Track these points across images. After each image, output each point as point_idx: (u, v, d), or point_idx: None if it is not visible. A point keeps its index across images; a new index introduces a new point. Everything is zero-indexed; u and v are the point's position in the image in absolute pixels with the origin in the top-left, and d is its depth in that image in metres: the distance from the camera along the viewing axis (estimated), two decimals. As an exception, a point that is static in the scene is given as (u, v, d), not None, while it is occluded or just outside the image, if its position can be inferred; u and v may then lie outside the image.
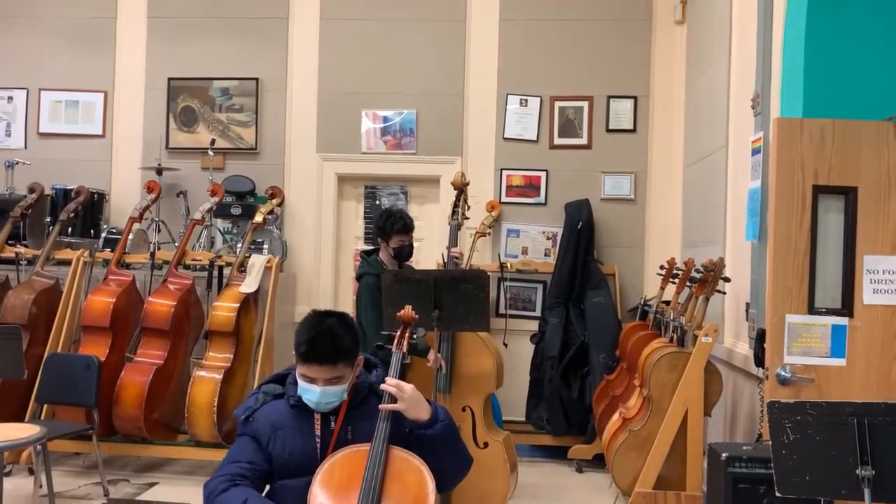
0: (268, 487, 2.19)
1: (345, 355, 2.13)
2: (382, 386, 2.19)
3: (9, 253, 5.17)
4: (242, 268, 5.00)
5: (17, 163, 5.74)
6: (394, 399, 2.16)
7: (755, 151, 3.79)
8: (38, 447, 3.50)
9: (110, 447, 4.78)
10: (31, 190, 5.40)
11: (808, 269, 3.20)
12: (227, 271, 5.15)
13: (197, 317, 5.00)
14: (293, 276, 5.97)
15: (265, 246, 5.55)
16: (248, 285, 4.88)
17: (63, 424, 4.34)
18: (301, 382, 2.13)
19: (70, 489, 4.43)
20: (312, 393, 2.12)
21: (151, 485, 4.62)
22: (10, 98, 6.20)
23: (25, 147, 6.16)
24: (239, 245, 5.30)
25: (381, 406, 2.15)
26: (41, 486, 3.95)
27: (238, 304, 4.78)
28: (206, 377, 4.66)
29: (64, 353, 4.84)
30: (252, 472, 2.13)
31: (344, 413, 2.18)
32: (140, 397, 4.58)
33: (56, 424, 4.22)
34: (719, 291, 3.73)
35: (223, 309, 4.79)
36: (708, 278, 3.65)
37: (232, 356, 4.75)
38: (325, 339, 2.11)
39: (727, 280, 3.70)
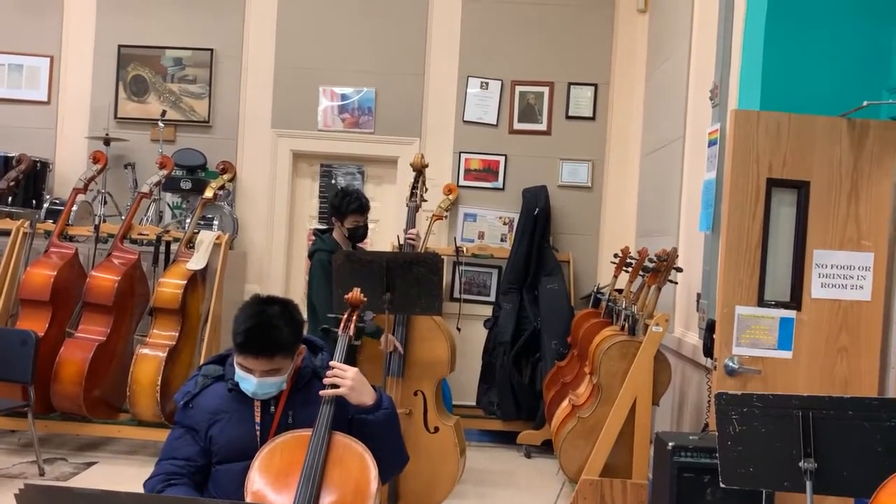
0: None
1: (283, 349, 2.05)
2: (327, 372, 2.12)
3: (-57, 221, 4.95)
4: (191, 244, 4.86)
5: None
6: (336, 385, 2.09)
7: (711, 143, 3.81)
8: (-32, 424, 3.36)
9: (48, 425, 4.63)
10: (-30, 156, 5.17)
11: (759, 261, 3.22)
12: (174, 247, 5.00)
13: (142, 293, 4.86)
14: (243, 254, 5.84)
15: (215, 222, 5.41)
16: (196, 262, 4.75)
17: (-2, 401, 4.18)
18: (238, 371, 2.06)
19: (3, 467, 4.28)
20: (249, 383, 2.04)
21: (90, 464, 4.49)
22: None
23: (-35, 111, 5.90)
24: (188, 220, 5.16)
25: (322, 392, 2.08)
26: (-28, 465, 3.81)
27: (185, 281, 4.65)
28: (150, 355, 4.52)
29: (0, 327, 4.66)
30: (187, 469, 2.07)
31: (285, 398, 2.12)
32: (80, 374, 4.44)
33: (-11, 401, 4.07)
34: (671, 281, 3.75)
35: (169, 286, 4.65)
36: (661, 268, 3.66)
37: (177, 334, 4.62)
38: (263, 330, 2.02)
39: (679, 270, 3.71)
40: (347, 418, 2.11)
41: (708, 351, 3.38)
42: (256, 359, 2.01)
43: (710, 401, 3.42)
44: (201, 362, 4.62)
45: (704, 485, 3.06)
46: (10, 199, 5.24)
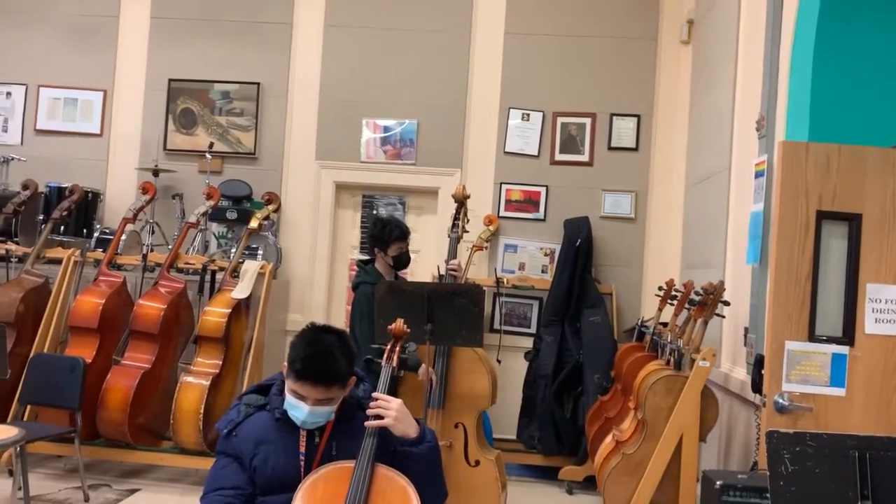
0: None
1: (339, 378, 2.06)
2: (371, 403, 2.12)
3: (2, 251, 5.10)
4: (235, 273, 4.93)
5: (13, 158, 5.68)
6: (380, 416, 2.09)
7: (758, 174, 3.75)
8: (17, 449, 3.42)
9: (93, 451, 4.69)
10: (25, 186, 5.34)
11: (809, 295, 3.14)
12: (219, 276, 5.08)
13: (187, 321, 4.93)
14: (287, 283, 5.90)
15: (260, 252, 5.49)
16: (241, 291, 4.82)
17: (45, 426, 4.26)
18: (290, 398, 2.06)
19: (50, 492, 4.34)
20: (300, 411, 2.04)
21: (133, 491, 4.53)
22: (8, 93, 6.15)
23: (22, 143, 6.10)
24: (233, 250, 5.24)
25: (367, 423, 2.08)
26: (19, 489, 3.87)
27: (229, 310, 4.71)
28: (194, 383, 4.58)
29: (50, 353, 4.76)
30: (237, 499, 2.07)
31: (330, 429, 2.11)
32: (125, 401, 4.50)
33: (38, 426, 4.14)
34: (718, 315, 3.67)
35: (214, 314, 4.72)
36: (707, 301, 3.59)
37: (221, 362, 4.67)
38: (322, 359, 2.04)
39: (727, 304, 3.64)
40: (390, 450, 2.10)
41: (756, 387, 3.29)
42: (314, 387, 2.02)
43: (759, 438, 3.32)
44: (243, 391, 4.68)
45: (754, 526, 2.97)
46: (62, 228, 5.39)
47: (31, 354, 4.64)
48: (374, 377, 2.31)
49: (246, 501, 2.08)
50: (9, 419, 4.55)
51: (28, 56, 6.15)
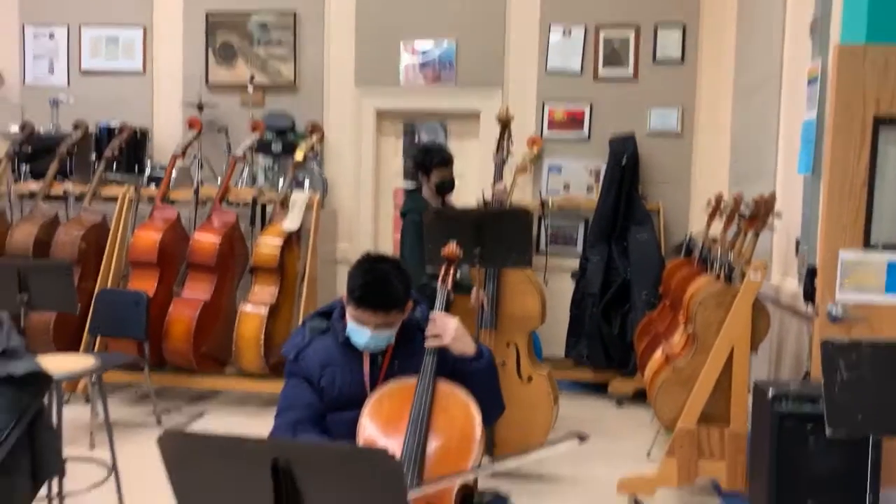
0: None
1: (397, 303, 2.13)
2: (429, 324, 2.19)
3: (57, 190, 5.27)
4: (284, 205, 5.02)
5: (62, 100, 5.78)
6: (439, 335, 2.16)
7: (811, 81, 3.64)
8: (94, 378, 3.62)
9: (161, 378, 4.93)
10: (76, 127, 5.45)
11: (864, 203, 3.09)
12: (269, 208, 5.18)
13: (241, 253, 5.07)
14: (334, 213, 5.99)
15: (306, 183, 5.56)
16: (291, 222, 4.92)
17: (116, 356, 4.48)
18: (351, 324, 2.14)
19: (124, 417, 4.60)
20: (362, 335, 2.12)
21: (201, 414, 4.77)
22: (51, 35, 6.22)
23: (68, 84, 6.20)
24: (280, 182, 5.32)
25: (427, 343, 2.16)
26: (97, 415, 4.11)
27: (282, 241, 4.83)
28: (253, 312, 4.74)
29: (114, 288, 4.96)
30: (311, 415, 2.16)
31: (391, 350, 2.20)
32: (188, 332, 4.70)
33: (109, 356, 4.36)
34: (770, 227, 3.64)
35: (267, 246, 4.84)
36: (758, 213, 3.55)
37: (276, 291, 4.82)
38: (379, 286, 2.10)
39: (778, 215, 3.60)
40: (449, 368, 2.18)
41: (809, 297, 3.29)
42: (374, 313, 2.09)
43: (811, 349, 3.34)
44: (300, 317, 4.84)
45: (807, 433, 3.01)
46: (114, 166, 5.52)
47: (97, 289, 4.84)
48: (428, 301, 2.37)
49: (318, 415, 2.17)
50: (80, 350, 4.80)
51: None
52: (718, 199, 4.47)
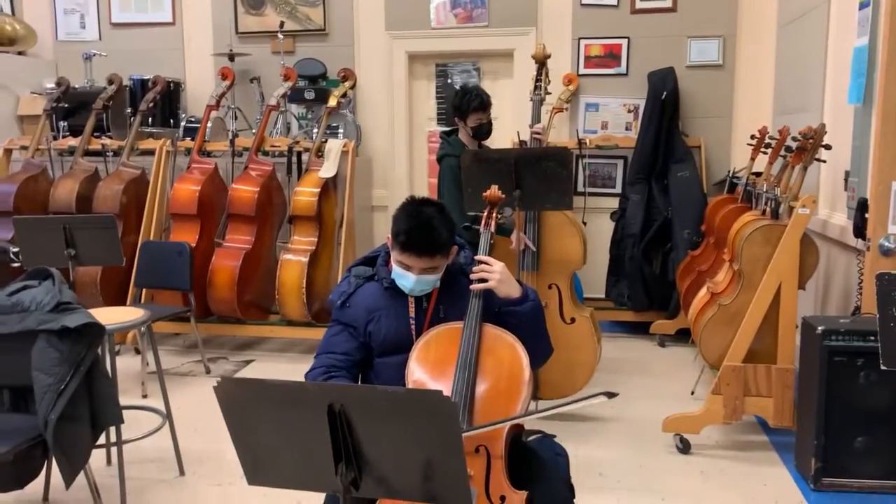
0: (364, 372, 2.26)
1: (442, 248, 2.12)
2: (474, 268, 2.18)
3: (95, 145, 5.32)
4: (320, 153, 5.01)
5: (95, 54, 5.79)
6: (484, 279, 2.15)
7: (863, 5, 3.47)
8: (143, 329, 3.70)
9: (208, 328, 5.04)
10: (111, 81, 5.47)
11: (920, 132, 2.98)
12: (305, 157, 5.18)
13: (280, 202, 5.10)
14: (369, 159, 5.96)
15: (340, 130, 5.53)
16: (327, 170, 4.91)
17: (163, 307, 4.57)
18: (396, 268, 2.14)
19: (174, 366, 4.72)
20: (408, 280, 2.12)
21: (248, 362, 4.87)
22: (80, -11, 6.19)
23: (100, 38, 6.19)
24: (315, 130, 5.30)
25: (472, 287, 2.15)
26: (148, 364, 4.22)
27: (318, 189, 4.83)
28: (293, 260, 4.79)
29: (156, 240, 5.04)
30: (346, 363, 2.19)
31: (436, 294, 2.20)
32: (232, 281, 4.77)
33: (156, 307, 4.44)
34: (818, 160, 3.53)
35: (305, 194, 4.85)
36: (806, 146, 3.44)
37: (316, 239, 4.85)
38: (424, 230, 2.09)
39: (827, 147, 3.48)
40: (495, 311, 2.17)
41: (859, 231, 3.20)
42: (420, 258, 2.09)
43: (861, 283, 3.27)
44: (340, 265, 4.87)
45: (857, 368, 2.98)
46: (150, 120, 5.55)
47: (140, 242, 4.92)
48: (471, 245, 2.36)
49: (353, 366, 2.21)
50: (128, 303, 4.90)
51: (93, -52, 6.13)
52: (763, 133, 4.34)
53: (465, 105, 3.96)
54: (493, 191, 2.44)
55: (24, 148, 5.39)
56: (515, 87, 5.72)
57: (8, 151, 5.47)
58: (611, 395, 1.74)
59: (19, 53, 6.13)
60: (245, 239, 4.88)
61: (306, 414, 1.43)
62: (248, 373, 4.66)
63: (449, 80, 5.98)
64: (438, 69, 6.01)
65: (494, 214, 2.40)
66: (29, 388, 2.57)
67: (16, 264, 4.04)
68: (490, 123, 4.05)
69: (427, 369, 2.08)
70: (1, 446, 2.43)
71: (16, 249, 4.08)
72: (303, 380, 2.04)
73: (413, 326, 2.19)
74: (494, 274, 2.15)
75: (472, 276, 2.17)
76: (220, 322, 5.05)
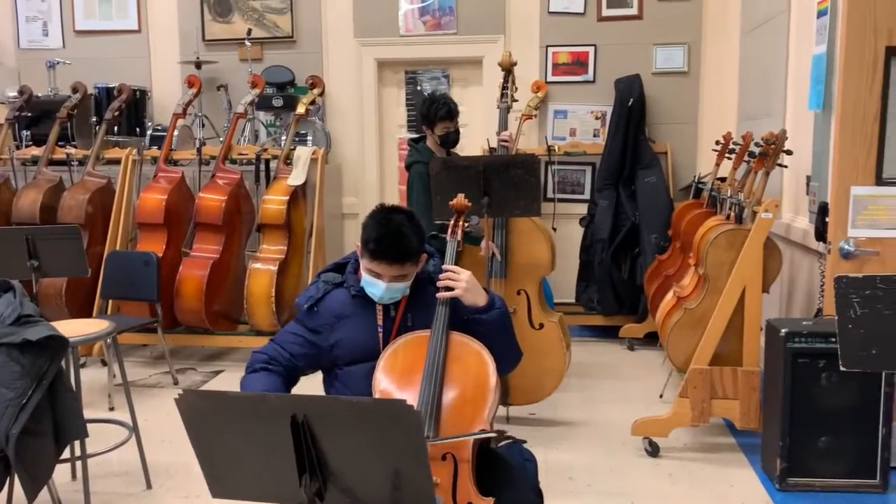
0: (329, 381, 2.26)
1: (412, 255, 2.12)
2: (440, 276, 2.18)
3: (60, 154, 5.24)
4: (288, 160, 4.99)
5: (58, 62, 5.71)
6: (451, 287, 2.15)
7: (821, 13, 3.55)
8: (109, 340, 3.65)
9: (175, 338, 4.98)
10: (75, 90, 5.40)
11: (876, 137, 3.05)
12: (273, 164, 5.15)
13: (248, 211, 5.06)
14: (338, 167, 5.95)
15: (309, 137, 5.52)
16: (296, 178, 4.89)
17: (129, 318, 4.51)
18: (366, 276, 2.13)
19: (141, 378, 4.65)
20: (377, 287, 2.12)
21: (217, 372, 4.82)
22: (42, -4, 6.11)
23: (63, 46, 6.11)
24: (283, 137, 5.27)
25: (439, 294, 2.15)
26: (115, 377, 4.16)
27: (287, 197, 4.81)
28: (262, 269, 4.75)
29: (122, 250, 4.97)
30: (288, 363, 2.20)
31: (405, 302, 2.20)
32: (199, 290, 4.72)
33: (123, 319, 4.39)
34: (780, 165, 3.59)
35: (273, 202, 4.82)
36: (769, 151, 3.50)
37: (285, 248, 4.82)
38: (394, 238, 2.09)
39: (789, 153, 3.55)
40: (462, 319, 2.18)
41: (820, 235, 3.27)
42: (390, 265, 2.09)
43: (823, 286, 3.33)
44: (310, 273, 4.85)
45: (819, 370, 3.03)
46: (115, 128, 5.48)
47: (106, 252, 4.85)
48: (440, 254, 2.36)
49: (293, 369, 2.21)
50: (94, 314, 4.83)
51: (56, -45, 6.05)
52: (727, 139, 4.41)
53: (432, 113, 3.97)
54: (460, 199, 2.45)
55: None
56: (485, 94, 5.75)
57: (-31, 161, 5.37)
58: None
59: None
60: (213, 248, 4.84)
61: (269, 425, 1.42)
62: (217, 383, 4.62)
63: (418, 87, 5.99)
64: (408, 76, 6.02)
65: (461, 223, 2.41)
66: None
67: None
68: (457, 131, 4.06)
69: (394, 378, 2.08)
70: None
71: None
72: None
73: (381, 335, 2.18)
74: (461, 283, 2.15)
75: (439, 284, 2.17)
76: (188, 332, 5.00)
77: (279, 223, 4.79)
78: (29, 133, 5.43)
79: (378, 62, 5.94)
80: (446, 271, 2.19)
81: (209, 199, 4.84)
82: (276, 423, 1.40)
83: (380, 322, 2.19)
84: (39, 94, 5.55)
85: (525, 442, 2.24)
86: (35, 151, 5.27)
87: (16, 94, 5.50)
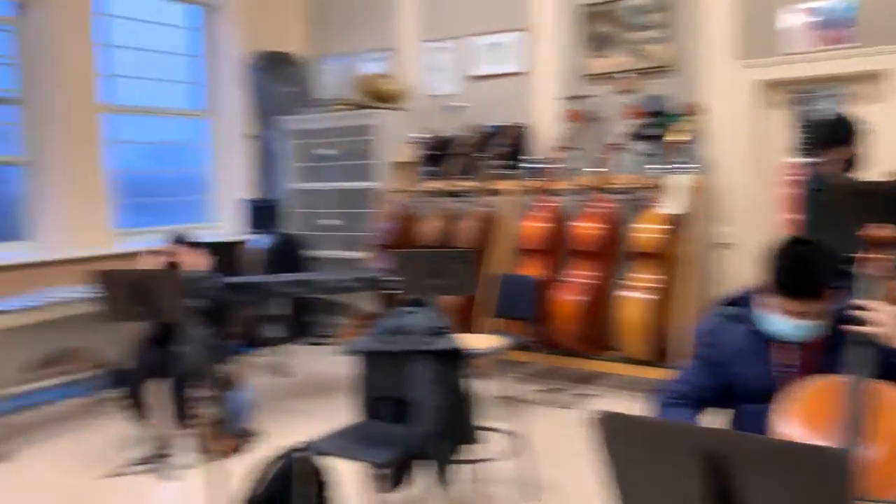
0: (721, 410, 2.19)
1: (818, 291, 1.97)
2: (854, 311, 1.97)
3: (456, 187, 5.89)
4: (663, 189, 4.96)
5: (456, 106, 6.43)
6: (871, 326, 1.93)
7: None
8: (499, 356, 3.98)
9: (549, 358, 5.23)
10: (473, 131, 6.03)
11: None
12: (647, 193, 5.16)
13: (620, 239, 5.14)
14: (714, 195, 5.72)
15: (685, 165, 5.41)
16: (670, 206, 4.83)
17: (517, 336, 4.85)
18: (768, 311, 2.03)
19: (515, 393, 4.97)
20: (781, 324, 2.00)
21: (586, 395, 4.94)
22: (443, 48, 6.94)
23: (460, 91, 6.86)
24: (659, 166, 5.25)
25: (848, 328, 1.94)
26: (499, 390, 4.51)
27: (661, 226, 4.78)
28: (634, 297, 4.78)
29: (511, 273, 5.38)
30: (694, 394, 2.16)
31: (811, 343, 2.03)
32: (573, 314, 4.91)
33: (512, 336, 4.73)
34: None
35: (646, 230, 4.83)
36: None
37: (657, 277, 4.80)
38: (801, 272, 1.96)
39: None
40: (884, 367, 1.93)
41: None
42: (795, 300, 1.97)
43: None
44: (686, 303, 4.74)
45: None
46: (501, 163, 5.99)
47: (499, 274, 5.29)
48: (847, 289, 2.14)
49: (699, 400, 2.15)
50: (474, 330, 5.30)
51: (454, 9, 6.84)
52: None
53: (828, 138, 3.64)
54: (874, 229, 2.19)
55: (401, 191, 6.17)
56: (889, 111, 5.08)
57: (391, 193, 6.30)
58: None
59: (392, 108, 7.05)
60: (587, 274, 5.01)
61: (680, 458, 1.41)
62: (592, 407, 4.74)
63: (809, 108, 5.52)
64: (797, 96, 5.58)
65: (878, 256, 2.15)
66: (406, 402, 2.92)
67: (394, 291, 4.63)
68: (858, 156, 3.66)
69: (799, 425, 1.92)
70: (385, 454, 2.79)
71: (391, 277, 4.67)
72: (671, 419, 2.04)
73: (779, 374, 2.05)
74: (882, 320, 1.92)
75: (855, 324, 1.96)
76: (561, 354, 5.21)
77: (651, 251, 4.78)
78: (429, 168, 6.21)
79: (761, 83, 5.61)
80: (864, 308, 1.97)
81: (585, 227, 5.02)
82: (689, 456, 1.38)
83: (780, 361, 2.05)
84: (440, 134, 6.31)
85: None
86: (434, 184, 6.00)
87: (429, 136, 6.32)
